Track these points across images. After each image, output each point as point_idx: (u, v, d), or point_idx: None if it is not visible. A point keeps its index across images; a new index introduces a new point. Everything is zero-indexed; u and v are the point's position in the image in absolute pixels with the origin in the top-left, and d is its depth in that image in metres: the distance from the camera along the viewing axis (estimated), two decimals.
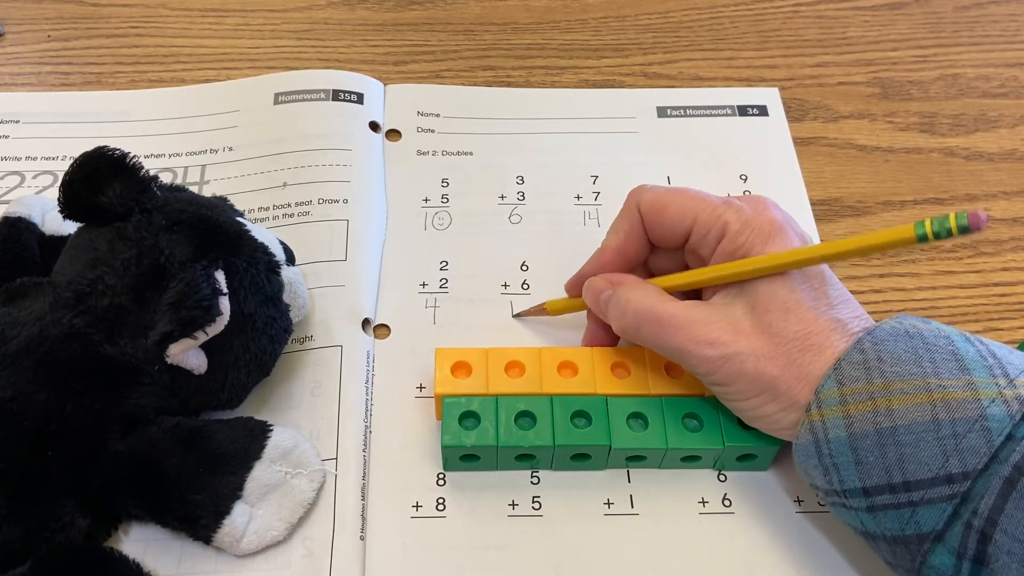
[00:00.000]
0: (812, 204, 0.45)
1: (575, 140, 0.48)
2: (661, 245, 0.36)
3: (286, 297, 0.36)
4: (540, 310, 0.40)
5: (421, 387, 0.38)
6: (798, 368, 0.30)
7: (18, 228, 0.37)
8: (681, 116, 0.49)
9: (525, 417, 0.34)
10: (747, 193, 0.45)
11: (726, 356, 0.31)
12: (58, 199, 0.33)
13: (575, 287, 0.38)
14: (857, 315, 0.31)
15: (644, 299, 0.33)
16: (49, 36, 0.53)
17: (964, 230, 0.26)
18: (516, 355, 0.36)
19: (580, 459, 0.35)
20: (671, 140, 0.48)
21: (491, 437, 0.33)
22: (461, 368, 0.35)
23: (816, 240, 0.44)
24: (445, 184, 0.45)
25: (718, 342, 0.31)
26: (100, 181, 0.32)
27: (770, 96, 0.50)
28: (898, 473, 0.27)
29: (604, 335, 0.37)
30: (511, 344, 0.39)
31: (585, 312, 0.38)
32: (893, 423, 0.28)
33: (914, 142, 0.49)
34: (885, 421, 0.28)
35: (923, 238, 0.27)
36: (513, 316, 0.41)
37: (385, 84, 0.50)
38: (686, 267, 0.36)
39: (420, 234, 0.43)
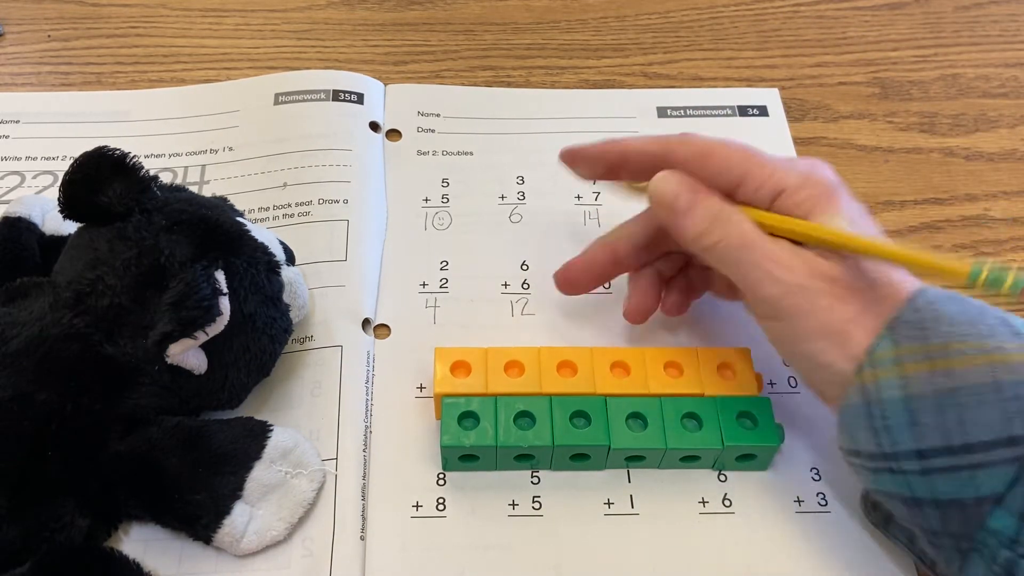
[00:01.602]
0: None
1: (575, 140, 0.47)
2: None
3: (286, 297, 0.36)
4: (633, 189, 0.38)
5: (421, 387, 0.38)
6: (873, 319, 0.29)
7: (18, 228, 0.37)
8: (681, 116, 0.49)
9: (524, 417, 0.34)
10: None
11: (801, 286, 0.30)
12: (58, 199, 0.33)
13: (570, 157, 0.38)
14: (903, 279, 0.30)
15: (734, 212, 0.32)
16: (49, 36, 0.53)
17: (1017, 288, 0.26)
18: (515, 355, 0.36)
19: (579, 459, 0.35)
20: None
21: (490, 437, 0.33)
22: (460, 368, 0.35)
23: None
24: (445, 184, 0.45)
25: (796, 270, 0.30)
26: (100, 181, 0.32)
27: (770, 96, 0.50)
28: (958, 435, 0.26)
29: (652, 295, 0.37)
30: (512, 344, 0.39)
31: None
32: (952, 384, 0.27)
33: (914, 142, 0.49)
34: (944, 382, 0.27)
35: (971, 283, 0.27)
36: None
37: (385, 84, 0.50)
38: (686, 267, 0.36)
39: (420, 234, 0.43)
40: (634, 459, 0.35)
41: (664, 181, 0.34)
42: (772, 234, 0.32)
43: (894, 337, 0.28)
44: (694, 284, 0.39)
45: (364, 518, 0.34)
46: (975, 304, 0.28)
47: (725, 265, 0.32)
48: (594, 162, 0.37)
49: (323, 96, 0.48)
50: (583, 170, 0.38)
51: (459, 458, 0.35)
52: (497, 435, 0.33)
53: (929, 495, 0.27)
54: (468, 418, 0.34)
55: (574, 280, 0.38)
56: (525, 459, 0.35)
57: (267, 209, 0.43)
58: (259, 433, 0.33)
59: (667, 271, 0.38)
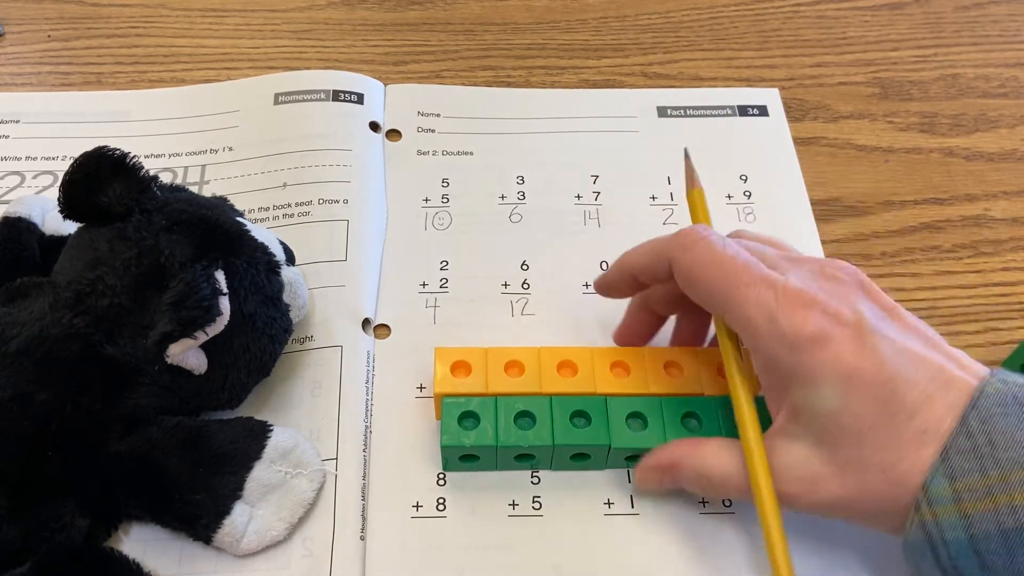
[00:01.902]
0: (812, 204, 0.45)
1: (575, 140, 0.48)
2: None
3: (286, 297, 0.36)
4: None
5: (421, 387, 0.38)
6: (891, 487, 0.27)
7: (18, 228, 0.37)
8: (681, 116, 0.49)
9: (524, 417, 0.34)
10: (748, 195, 0.45)
11: (812, 504, 0.29)
12: (58, 199, 0.33)
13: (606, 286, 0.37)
14: (951, 367, 0.27)
15: (709, 469, 0.31)
16: (49, 36, 0.53)
17: None
18: (515, 355, 0.36)
19: (580, 459, 0.35)
20: (671, 140, 0.48)
21: (490, 437, 0.33)
22: (461, 367, 0.35)
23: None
24: (445, 184, 0.45)
25: (801, 497, 0.29)
26: (100, 181, 0.32)
27: (770, 96, 0.50)
28: None
29: (694, 331, 0.36)
30: (512, 344, 0.39)
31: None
32: (1018, 523, 0.25)
33: (914, 142, 0.49)
34: (1009, 520, 0.25)
35: None
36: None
37: (385, 84, 0.50)
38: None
39: (420, 234, 0.43)
40: (634, 459, 0.35)
41: (644, 469, 0.33)
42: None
43: (948, 471, 0.26)
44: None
45: (364, 518, 0.34)
46: None
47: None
48: (620, 286, 0.36)
49: (323, 96, 0.48)
50: (621, 294, 0.37)
51: (459, 458, 0.35)
52: (497, 435, 0.33)
53: None
54: (468, 418, 0.34)
55: (627, 342, 0.38)
56: (525, 459, 0.35)
57: (267, 209, 0.43)
58: (259, 433, 0.34)
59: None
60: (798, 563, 0.33)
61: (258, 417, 0.35)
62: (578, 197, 0.45)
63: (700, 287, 0.31)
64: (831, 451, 0.28)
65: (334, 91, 0.48)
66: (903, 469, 0.27)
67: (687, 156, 0.37)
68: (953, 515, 0.26)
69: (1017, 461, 0.25)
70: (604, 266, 0.42)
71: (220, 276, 0.32)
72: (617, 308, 0.40)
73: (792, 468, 0.29)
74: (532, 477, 0.36)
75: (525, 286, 0.42)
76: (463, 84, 0.50)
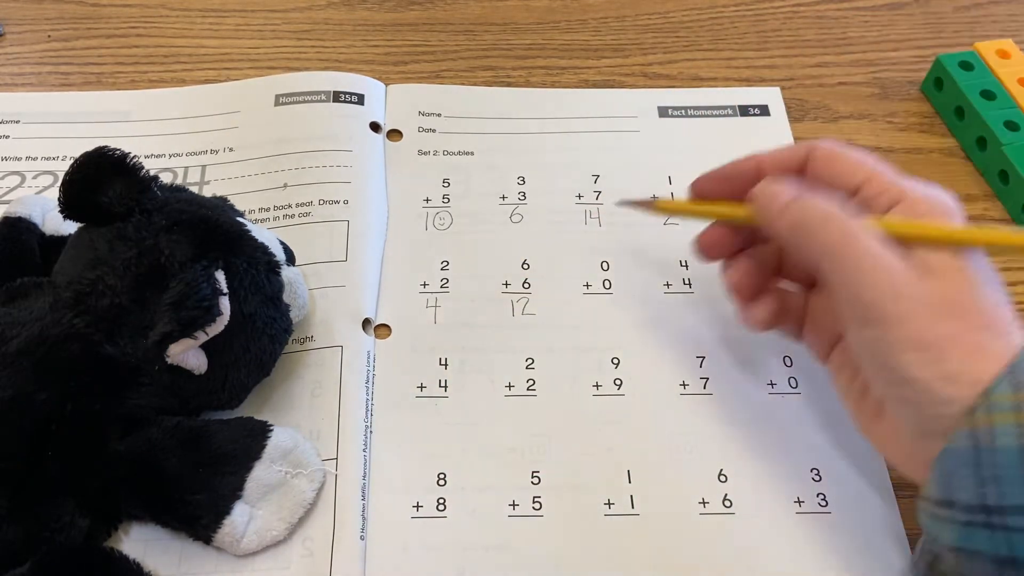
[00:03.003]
0: None
1: (576, 140, 0.48)
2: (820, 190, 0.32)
3: (286, 297, 0.36)
4: (648, 205, 0.38)
5: (421, 387, 0.38)
6: (976, 338, 0.27)
7: (18, 228, 0.37)
8: (682, 116, 0.49)
9: None
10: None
11: (901, 294, 0.28)
12: (58, 199, 0.33)
13: (702, 186, 0.36)
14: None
15: (836, 210, 0.30)
16: (49, 36, 0.53)
17: None
18: None
19: None
20: (672, 140, 0.48)
21: None
22: None
23: None
24: (446, 184, 0.45)
25: (900, 275, 0.28)
26: (100, 181, 0.32)
27: (772, 96, 0.50)
28: None
29: (727, 243, 0.35)
30: (514, 344, 0.39)
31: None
32: None
33: (914, 142, 0.49)
34: None
35: None
36: (616, 203, 0.40)
37: (386, 84, 0.50)
38: (814, 281, 0.35)
39: (421, 234, 0.43)
40: None
41: (766, 183, 0.33)
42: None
43: (1014, 381, 0.26)
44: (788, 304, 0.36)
45: (364, 518, 0.34)
46: None
47: (822, 260, 0.30)
48: (729, 179, 0.35)
49: (324, 97, 0.48)
50: (714, 187, 0.36)
51: None
52: None
53: None
54: None
55: (705, 189, 0.36)
56: None
57: (267, 209, 0.43)
58: (259, 433, 0.34)
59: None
60: (798, 563, 0.34)
61: (258, 417, 0.35)
62: (579, 197, 0.45)
63: (841, 162, 0.32)
64: (951, 275, 0.28)
65: (335, 92, 0.48)
66: (980, 355, 0.27)
67: (627, 203, 0.39)
68: (1010, 423, 0.25)
69: None
70: (604, 266, 0.42)
71: (220, 276, 0.32)
72: (617, 307, 0.40)
73: (917, 263, 0.29)
74: (532, 477, 0.36)
75: (526, 286, 0.42)
76: (463, 84, 0.50)
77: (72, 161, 0.32)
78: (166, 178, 0.44)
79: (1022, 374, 0.26)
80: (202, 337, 0.30)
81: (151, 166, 0.35)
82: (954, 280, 0.28)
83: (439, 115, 0.49)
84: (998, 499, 0.25)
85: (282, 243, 0.37)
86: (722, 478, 0.36)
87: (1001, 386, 0.26)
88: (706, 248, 0.36)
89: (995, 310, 0.28)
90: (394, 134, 0.48)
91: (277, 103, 0.48)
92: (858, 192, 0.32)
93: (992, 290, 0.29)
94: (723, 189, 0.36)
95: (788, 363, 0.39)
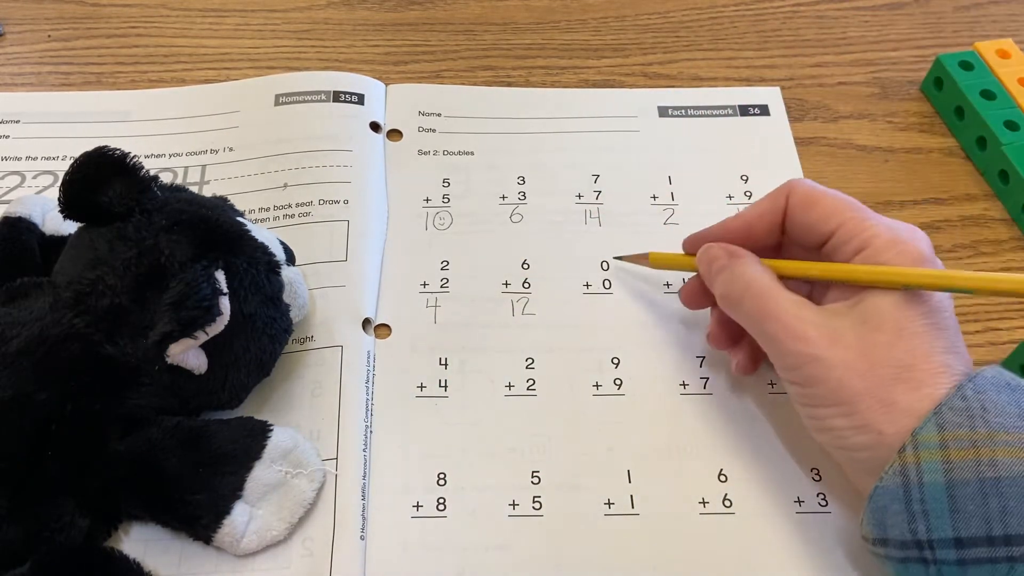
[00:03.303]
0: None
1: (576, 139, 0.48)
2: (798, 241, 0.35)
3: (286, 297, 0.36)
4: (642, 259, 0.40)
5: (421, 387, 0.38)
6: (885, 393, 0.29)
7: (18, 228, 0.37)
8: (682, 116, 0.49)
9: None
10: (749, 195, 0.45)
11: (814, 357, 0.30)
12: (58, 199, 0.33)
13: (693, 246, 0.37)
14: (966, 371, 0.29)
15: (759, 277, 0.33)
16: (49, 36, 0.53)
17: None
18: None
19: None
20: (672, 140, 0.48)
21: None
22: None
23: None
24: (446, 184, 0.45)
25: (811, 341, 0.30)
26: (100, 181, 0.32)
27: (772, 96, 0.50)
28: (999, 526, 0.26)
29: (702, 298, 0.37)
30: (514, 344, 0.39)
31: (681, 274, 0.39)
32: (997, 474, 0.26)
33: (914, 142, 0.49)
34: (988, 471, 0.26)
35: None
36: (614, 258, 0.42)
37: (386, 84, 0.50)
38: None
39: (421, 234, 0.43)
40: None
41: (705, 250, 0.36)
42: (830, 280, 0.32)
43: (940, 422, 0.28)
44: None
45: (364, 518, 0.34)
46: None
47: (748, 328, 0.33)
48: (719, 238, 0.36)
49: (324, 97, 0.48)
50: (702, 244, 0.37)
51: None
52: None
53: None
54: None
55: (696, 246, 0.37)
56: None
57: (267, 209, 0.43)
58: (259, 433, 0.34)
59: None
60: (798, 563, 0.34)
61: (258, 417, 0.35)
62: (579, 197, 0.45)
63: (819, 208, 0.33)
64: (868, 330, 0.30)
65: (335, 92, 0.48)
66: (898, 393, 0.29)
67: (622, 258, 0.42)
68: (936, 460, 0.27)
69: (1004, 426, 0.27)
70: (604, 266, 0.42)
71: (220, 276, 0.32)
72: (617, 307, 0.40)
73: (825, 318, 0.31)
74: (532, 477, 0.36)
75: (526, 285, 0.42)
76: (463, 84, 0.50)
77: (72, 161, 0.32)
78: (166, 178, 0.44)
79: (948, 414, 0.28)
80: (202, 337, 0.30)
81: (151, 166, 0.35)
82: (872, 334, 0.30)
83: (439, 115, 0.49)
84: (927, 533, 0.27)
85: (282, 243, 0.37)
86: (722, 478, 0.36)
87: (927, 426, 0.28)
88: (686, 299, 0.38)
89: (916, 362, 0.29)
90: (394, 134, 0.48)
91: (277, 103, 0.48)
92: (831, 238, 0.33)
93: (921, 340, 0.29)
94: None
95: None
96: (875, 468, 0.29)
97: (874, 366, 0.29)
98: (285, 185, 0.44)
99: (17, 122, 0.48)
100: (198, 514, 0.31)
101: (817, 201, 0.33)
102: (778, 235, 0.35)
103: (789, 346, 0.31)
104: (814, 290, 0.35)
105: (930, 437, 0.27)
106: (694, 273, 0.37)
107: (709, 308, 0.38)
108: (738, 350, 0.37)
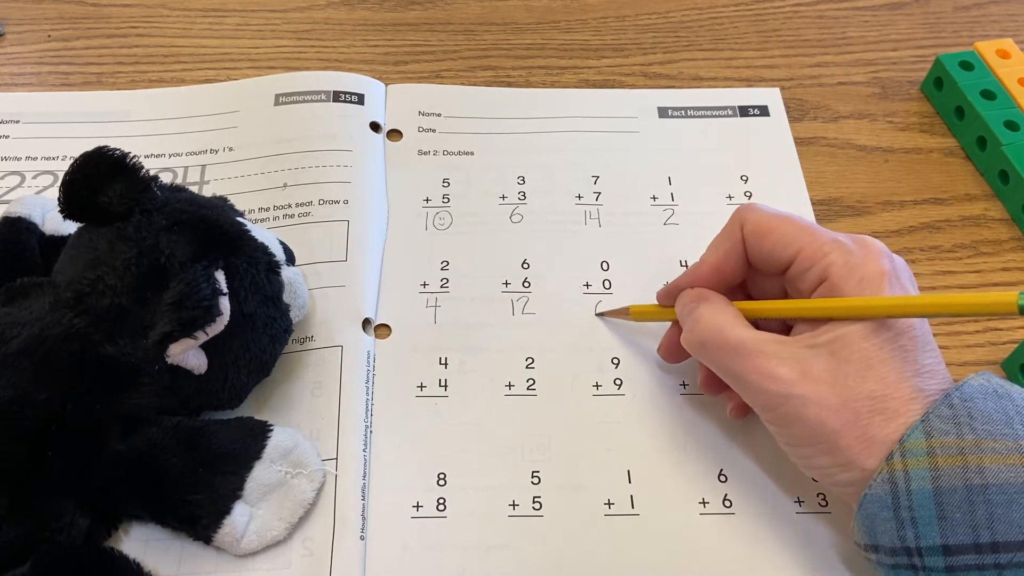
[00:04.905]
0: (813, 204, 0.45)
1: (576, 140, 0.48)
2: (761, 269, 0.34)
3: (286, 297, 0.36)
4: (624, 313, 0.39)
5: (421, 387, 0.38)
6: (862, 428, 0.29)
7: (18, 228, 0.37)
8: (682, 116, 0.49)
9: None
10: (749, 195, 0.45)
11: (787, 395, 0.30)
12: (58, 199, 0.33)
13: (667, 297, 0.37)
14: (943, 388, 0.29)
15: (715, 319, 0.32)
16: (49, 36, 0.53)
17: None
18: None
19: None
20: (672, 140, 0.48)
21: None
22: None
23: None
24: (446, 184, 0.45)
25: (782, 379, 0.30)
26: (100, 181, 0.32)
27: (771, 96, 0.50)
28: (986, 533, 0.26)
29: (681, 350, 0.36)
30: (514, 344, 0.39)
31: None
32: (984, 481, 0.26)
33: (914, 142, 0.49)
34: (976, 478, 0.26)
35: (1022, 311, 0.26)
36: (596, 314, 0.41)
37: (386, 84, 0.50)
38: (786, 293, 0.35)
39: (421, 234, 0.43)
40: None
41: (680, 297, 0.35)
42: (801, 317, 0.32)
43: (927, 429, 0.28)
44: None
45: (364, 518, 0.34)
46: (1016, 402, 0.28)
47: (719, 372, 0.33)
48: (691, 285, 0.36)
49: (324, 97, 0.48)
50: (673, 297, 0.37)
51: None
52: None
53: None
54: None
55: (670, 298, 0.37)
56: None
57: (267, 209, 0.43)
58: (259, 433, 0.34)
59: None
60: (798, 563, 0.34)
61: (258, 417, 0.35)
62: (579, 197, 0.45)
63: (773, 236, 0.33)
64: (838, 363, 0.29)
65: (335, 92, 0.48)
66: (874, 426, 0.28)
67: (603, 314, 0.41)
68: (924, 467, 0.27)
69: (991, 433, 0.27)
70: (604, 266, 0.42)
71: (220, 276, 0.32)
72: (618, 306, 0.40)
73: (794, 352, 0.30)
74: (532, 477, 0.36)
75: (526, 285, 0.42)
76: (463, 84, 0.50)
77: (72, 161, 0.32)
78: (166, 178, 0.44)
79: (935, 421, 0.28)
80: (202, 337, 0.30)
81: (151, 166, 0.35)
82: (842, 365, 0.29)
83: (439, 115, 0.49)
84: (916, 540, 0.27)
85: (282, 243, 0.37)
86: (722, 478, 0.36)
87: (915, 434, 0.28)
88: (665, 353, 0.38)
89: (888, 391, 0.29)
90: (394, 134, 0.48)
91: (277, 103, 0.48)
92: (791, 265, 0.32)
93: (890, 368, 0.29)
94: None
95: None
96: (860, 491, 0.29)
97: (847, 401, 0.29)
98: (285, 185, 0.44)
99: (17, 122, 0.48)
100: (198, 514, 0.31)
101: (771, 229, 0.33)
102: (745, 269, 0.35)
103: (761, 385, 0.30)
104: (779, 324, 0.34)
105: (918, 444, 0.27)
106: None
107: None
108: (732, 394, 0.35)
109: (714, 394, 0.37)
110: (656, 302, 0.38)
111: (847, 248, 0.31)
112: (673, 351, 0.37)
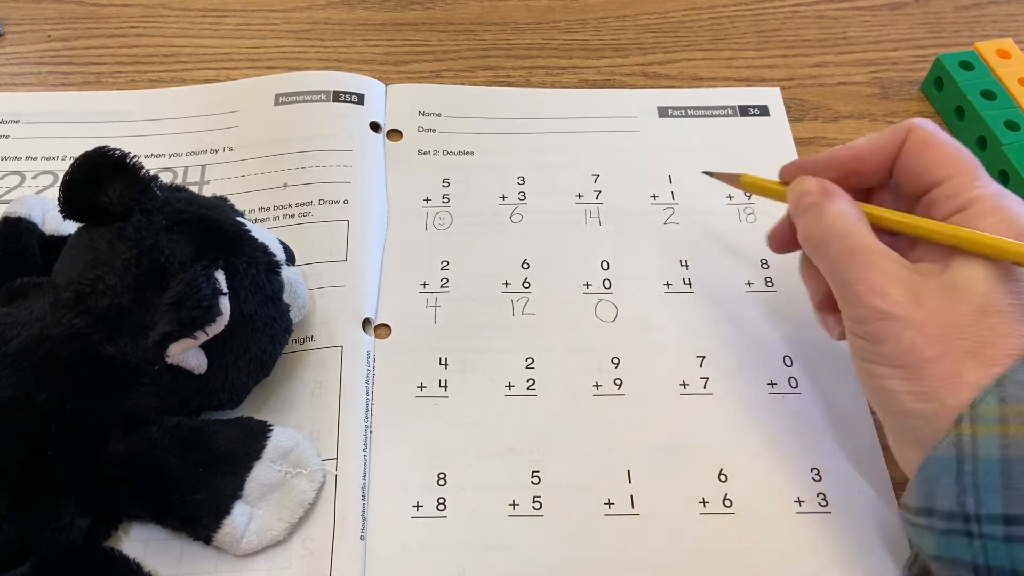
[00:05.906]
0: None
1: (576, 140, 0.48)
2: (902, 182, 0.33)
3: (286, 297, 0.36)
4: (733, 178, 0.38)
5: (421, 387, 0.38)
6: (955, 364, 0.27)
7: (18, 228, 0.37)
8: (682, 116, 0.49)
9: None
10: (749, 195, 0.45)
11: (890, 315, 0.29)
12: (58, 199, 0.33)
13: (790, 174, 0.35)
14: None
15: (842, 219, 0.31)
16: (49, 36, 0.53)
17: None
18: None
19: None
20: (672, 140, 0.48)
21: None
22: None
23: None
24: (446, 184, 0.45)
25: (890, 298, 0.29)
26: (100, 181, 0.32)
27: (772, 96, 0.50)
28: None
29: (792, 240, 0.35)
30: (514, 344, 0.39)
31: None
32: None
33: None
34: None
35: None
36: (702, 172, 0.41)
37: (386, 84, 0.50)
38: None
39: (421, 234, 0.43)
40: None
41: (799, 181, 0.34)
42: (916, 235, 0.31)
43: (1001, 394, 0.26)
44: None
45: (364, 518, 0.34)
46: None
47: (826, 273, 0.32)
48: (825, 169, 0.34)
49: (323, 97, 0.48)
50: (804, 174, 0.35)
51: None
52: None
53: (1008, 564, 0.26)
54: None
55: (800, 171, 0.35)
56: None
57: (267, 209, 0.43)
58: (259, 433, 0.34)
59: None
60: (798, 563, 0.34)
61: (258, 417, 0.35)
62: (579, 196, 0.45)
63: (933, 152, 0.31)
64: (954, 299, 0.28)
65: (334, 92, 0.48)
66: (967, 368, 0.27)
67: (711, 174, 0.40)
68: (994, 434, 0.26)
69: None
70: (605, 266, 0.42)
71: (220, 276, 0.32)
72: (618, 307, 0.40)
73: (912, 276, 0.29)
74: (532, 477, 0.36)
75: (526, 285, 0.42)
76: (463, 84, 0.50)
77: (72, 161, 0.32)
78: (166, 178, 0.44)
79: (1010, 387, 0.27)
80: (202, 337, 0.30)
81: (151, 166, 0.35)
82: (955, 303, 0.28)
83: (439, 115, 0.49)
84: (976, 507, 0.26)
85: (282, 243, 0.37)
86: (722, 478, 0.36)
87: (988, 398, 0.27)
88: (775, 242, 0.37)
89: (994, 339, 0.28)
90: (394, 134, 0.48)
91: (277, 103, 0.48)
92: (936, 187, 0.31)
93: (1002, 319, 0.28)
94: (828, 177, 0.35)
95: (788, 363, 0.39)
96: (924, 438, 0.28)
97: (950, 336, 0.28)
98: (285, 185, 0.44)
99: (17, 122, 0.48)
100: (198, 514, 0.31)
101: (936, 145, 0.32)
102: (886, 175, 0.33)
103: (866, 299, 0.29)
104: (896, 241, 0.32)
105: (990, 410, 0.26)
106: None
107: (803, 270, 0.36)
108: (827, 314, 0.35)
109: (779, 252, 0.36)
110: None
111: (1000, 192, 0.30)
112: (784, 241, 0.36)
